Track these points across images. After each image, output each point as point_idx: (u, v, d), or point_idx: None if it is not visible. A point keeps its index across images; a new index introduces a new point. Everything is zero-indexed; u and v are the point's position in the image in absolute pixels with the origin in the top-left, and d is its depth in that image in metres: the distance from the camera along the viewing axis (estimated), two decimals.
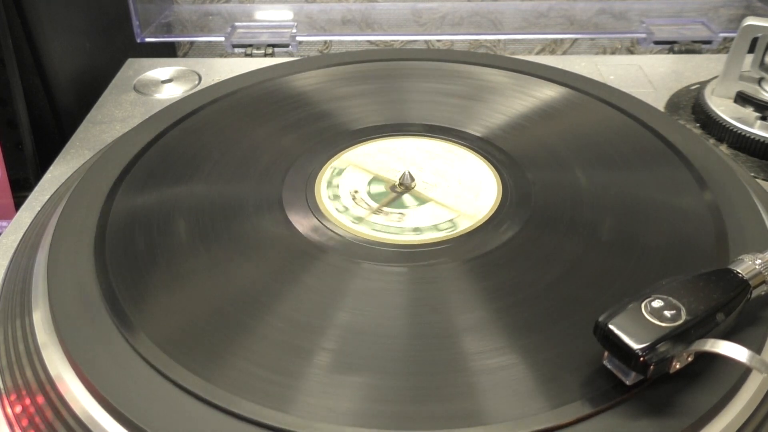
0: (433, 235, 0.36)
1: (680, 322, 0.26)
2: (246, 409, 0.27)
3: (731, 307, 0.28)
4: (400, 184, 0.40)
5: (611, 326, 0.26)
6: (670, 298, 0.27)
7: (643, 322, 0.26)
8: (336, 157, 0.43)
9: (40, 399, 0.30)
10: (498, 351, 0.29)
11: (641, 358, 0.25)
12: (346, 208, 0.37)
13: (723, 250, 0.34)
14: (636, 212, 0.37)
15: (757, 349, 0.30)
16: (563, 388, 0.27)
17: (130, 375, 0.28)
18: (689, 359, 0.27)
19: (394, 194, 0.40)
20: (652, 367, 0.25)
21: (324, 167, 0.42)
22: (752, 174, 0.46)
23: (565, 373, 0.28)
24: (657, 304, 0.27)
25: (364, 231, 0.37)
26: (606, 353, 0.27)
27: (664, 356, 0.26)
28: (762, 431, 0.28)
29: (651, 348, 0.25)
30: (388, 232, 0.37)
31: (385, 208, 0.38)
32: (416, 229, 0.37)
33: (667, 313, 0.26)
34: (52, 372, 0.30)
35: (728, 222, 0.36)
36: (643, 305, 0.27)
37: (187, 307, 0.32)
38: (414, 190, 0.40)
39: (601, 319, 0.27)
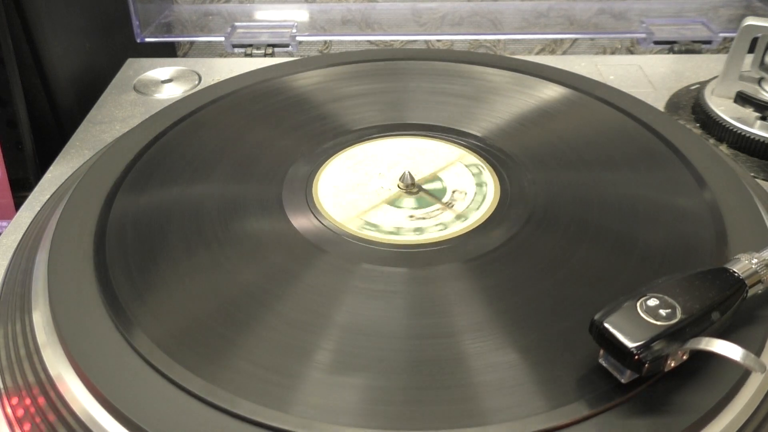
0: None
1: (675, 320, 0.26)
2: (246, 409, 0.27)
3: (727, 306, 0.28)
4: (407, 185, 0.40)
5: (606, 324, 0.26)
6: (666, 297, 0.27)
7: (638, 321, 0.26)
8: (337, 155, 0.43)
9: (40, 399, 0.30)
10: (498, 351, 0.29)
11: (636, 357, 0.25)
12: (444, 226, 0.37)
13: (723, 250, 0.34)
14: (636, 212, 0.37)
15: (757, 348, 0.30)
16: (563, 388, 0.27)
17: (130, 375, 0.28)
18: (684, 357, 0.27)
19: (420, 193, 0.40)
20: (647, 365, 0.25)
21: (324, 167, 0.42)
22: (752, 174, 0.46)
23: (565, 373, 0.28)
24: (652, 302, 0.27)
25: (352, 227, 0.37)
26: (602, 351, 0.27)
27: (658, 354, 0.26)
28: (762, 431, 0.28)
29: (646, 346, 0.25)
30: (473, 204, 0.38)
31: (444, 200, 0.39)
32: (480, 184, 0.39)
33: (663, 312, 0.27)
34: (52, 372, 0.30)
35: (728, 222, 0.36)
36: (638, 304, 0.27)
37: (187, 307, 0.32)
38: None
39: (596, 317, 0.27)
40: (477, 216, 0.38)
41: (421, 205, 0.39)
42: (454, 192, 0.39)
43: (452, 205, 0.38)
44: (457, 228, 0.37)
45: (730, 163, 0.43)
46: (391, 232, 0.37)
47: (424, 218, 0.38)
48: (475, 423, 0.26)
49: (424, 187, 0.40)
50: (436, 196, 0.39)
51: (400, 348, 0.30)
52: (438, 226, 0.37)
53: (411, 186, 0.40)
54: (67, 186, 0.44)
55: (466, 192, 0.39)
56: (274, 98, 0.49)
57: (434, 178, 0.41)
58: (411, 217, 0.38)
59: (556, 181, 0.40)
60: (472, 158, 0.41)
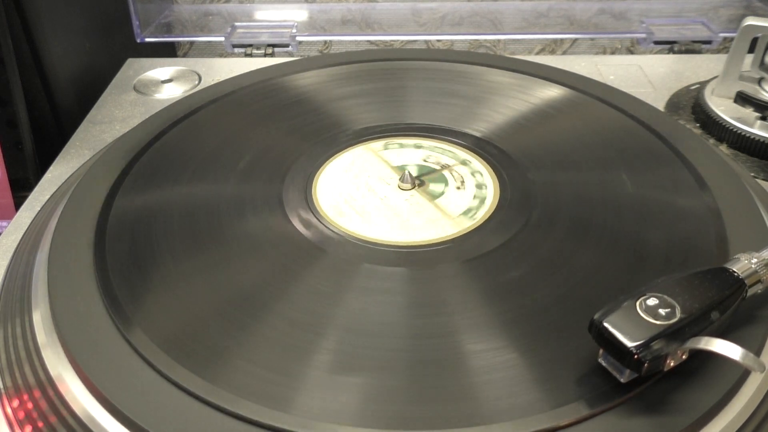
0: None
1: (675, 320, 0.26)
2: (246, 408, 0.27)
3: (726, 305, 0.28)
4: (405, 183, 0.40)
5: (606, 324, 0.26)
6: (665, 296, 0.27)
7: (637, 320, 0.26)
8: (337, 156, 0.43)
9: (41, 399, 0.30)
10: (498, 351, 0.29)
11: (635, 356, 0.25)
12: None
13: (723, 250, 0.34)
14: (636, 212, 0.37)
15: (756, 348, 0.30)
16: (563, 388, 0.27)
17: (130, 375, 0.28)
18: (683, 357, 0.27)
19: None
20: (646, 364, 0.25)
21: (323, 167, 0.42)
22: (752, 174, 0.46)
23: (565, 373, 0.28)
24: (652, 302, 0.27)
25: (366, 232, 0.37)
26: (601, 351, 0.28)
27: (658, 354, 0.26)
28: (762, 431, 0.28)
29: (645, 346, 0.25)
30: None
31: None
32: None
33: (662, 311, 0.27)
34: (52, 372, 0.30)
35: (728, 222, 0.36)
36: (637, 303, 0.27)
37: (187, 307, 0.32)
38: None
39: (596, 316, 0.27)
40: (486, 205, 0.38)
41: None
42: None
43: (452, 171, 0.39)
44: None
45: (730, 163, 0.43)
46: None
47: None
48: (475, 423, 0.26)
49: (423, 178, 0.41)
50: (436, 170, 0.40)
51: (400, 348, 0.30)
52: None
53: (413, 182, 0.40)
54: (67, 186, 0.44)
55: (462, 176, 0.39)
56: (274, 98, 0.49)
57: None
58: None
59: (556, 181, 0.40)
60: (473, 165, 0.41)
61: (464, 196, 0.39)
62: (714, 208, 0.37)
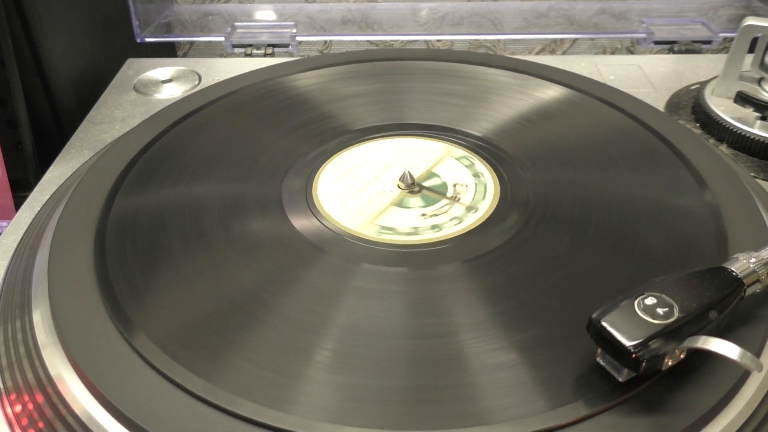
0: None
1: (673, 319, 0.26)
2: (246, 408, 0.27)
3: (724, 305, 0.28)
4: (408, 185, 0.40)
5: (604, 323, 0.26)
6: (663, 296, 0.27)
7: (635, 320, 0.26)
8: (337, 155, 0.43)
9: (41, 399, 0.30)
10: (498, 351, 0.29)
11: (633, 355, 0.25)
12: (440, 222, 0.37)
13: (723, 250, 0.34)
14: (636, 212, 0.37)
15: (756, 348, 0.30)
16: (563, 388, 0.27)
17: (130, 375, 0.28)
18: (681, 356, 0.27)
19: (423, 191, 0.40)
20: (644, 363, 0.26)
21: (324, 167, 0.42)
22: (752, 174, 0.46)
23: (565, 373, 0.28)
24: (650, 301, 0.27)
25: (368, 233, 0.37)
26: (599, 350, 0.28)
27: (656, 353, 0.26)
28: (762, 431, 0.28)
29: (643, 345, 0.26)
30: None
31: (448, 194, 0.39)
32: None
33: (660, 311, 0.27)
34: (52, 372, 0.30)
35: (728, 222, 0.36)
36: (636, 302, 0.27)
37: (188, 307, 0.32)
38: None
39: (594, 316, 0.27)
40: (486, 205, 0.38)
41: (428, 202, 0.39)
42: (455, 185, 0.40)
43: (458, 198, 0.38)
44: (472, 220, 0.37)
45: (730, 163, 0.43)
46: (409, 233, 0.37)
47: (436, 215, 0.38)
48: (475, 423, 0.26)
49: (424, 184, 0.40)
50: (440, 191, 0.39)
51: (400, 348, 0.30)
52: (453, 220, 0.37)
53: (412, 185, 0.40)
54: (67, 186, 0.44)
55: (467, 184, 0.39)
56: (274, 98, 0.49)
57: (430, 174, 0.41)
58: (423, 215, 0.38)
59: (556, 181, 0.40)
60: (460, 151, 0.42)
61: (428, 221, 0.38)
62: (714, 207, 0.37)
